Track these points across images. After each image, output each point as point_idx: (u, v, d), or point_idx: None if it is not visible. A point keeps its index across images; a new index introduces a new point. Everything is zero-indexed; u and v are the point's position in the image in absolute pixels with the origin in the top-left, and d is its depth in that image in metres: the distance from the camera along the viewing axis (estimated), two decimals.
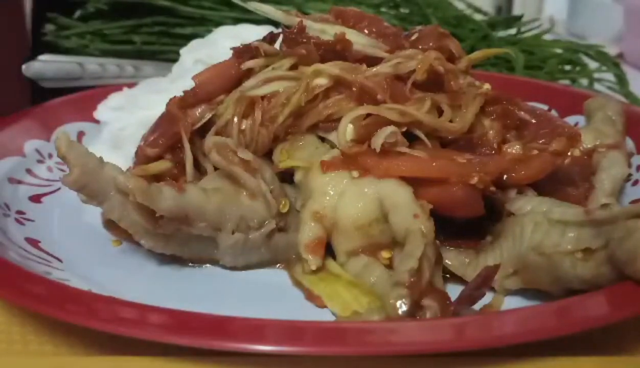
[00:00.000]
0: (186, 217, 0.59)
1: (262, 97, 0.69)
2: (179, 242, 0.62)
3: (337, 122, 0.65)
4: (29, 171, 0.79)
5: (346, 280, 0.60)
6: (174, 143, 0.71)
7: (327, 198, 0.62)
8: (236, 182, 0.63)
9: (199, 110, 0.72)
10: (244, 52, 0.74)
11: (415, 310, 0.52)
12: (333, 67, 0.68)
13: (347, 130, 0.64)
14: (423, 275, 0.54)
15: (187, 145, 0.70)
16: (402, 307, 0.51)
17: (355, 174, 0.62)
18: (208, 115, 0.72)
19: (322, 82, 0.68)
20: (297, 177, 0.66)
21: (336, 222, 0.61)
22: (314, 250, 0.61)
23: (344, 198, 0.62)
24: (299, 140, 0.68)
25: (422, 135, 0.65)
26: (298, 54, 0.70)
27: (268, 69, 0.72)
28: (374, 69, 0.68)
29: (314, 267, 0.61)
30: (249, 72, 0.73)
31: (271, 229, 0.63)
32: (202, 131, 0.72)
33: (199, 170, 0.71)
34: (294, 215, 0.65)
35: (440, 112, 0.68)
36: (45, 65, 0.97)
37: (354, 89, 0.66)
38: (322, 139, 0.68)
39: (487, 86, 0.71)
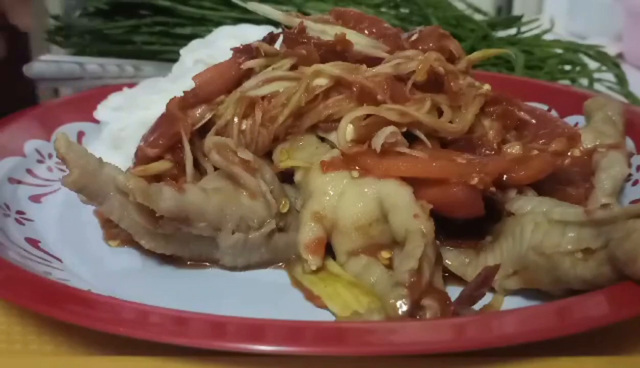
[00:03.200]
0: (186, 217, 0.59)
1: (262, 98, 0.69)
2: (179, 242, 0.62)
3: (337, 122, 0.65)
4: (29, 171, 0.79)
5: (346, 280, 0.60)
6: (174, 143, 0.71)
7: (327, 198, 0.62)
8: (236, 182, 0.63)
9: (199, 111, 0.72)
10: (244, 52, 0.74)
11: (415, 310, 0.52)
12: (333, 68, 0.68)
13: (347, 131, 0.64)
14: (423, 276, 0.54)
15: (187, 146, 0.70)
16: (402, 307, 0.51)
17: (355, 174, 0.62)
18: (208, 116, 0.72)
19: (322, 82, 0.68)
20: (297, 177, 0.66)
21: (336, 222, 0.61)
22: (314, 250, 0.61)
23: (344, 198, 0.62)
24: (299, 140, 0.68)
25: (422, 136, 0.65)
26: (298, 54, 0.70)
27: (268, 69, 0.71)
28: (375, 70, 0.68)
29: (314, 267, 0.61)
30: (249, 72, 0.73)
31: (271, 229, 0.63)
32: (202, 131, 0.72)
33: (199, 170, 0.71)
34: (294, 215, 0.65)
35: (440, 113, 0.68)
36: (45, 65, 0.97)
37: (354, 89, 0.66)
38: (322, 139, 0.68)
39: (487, 87, 0.71)
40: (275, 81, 0.69)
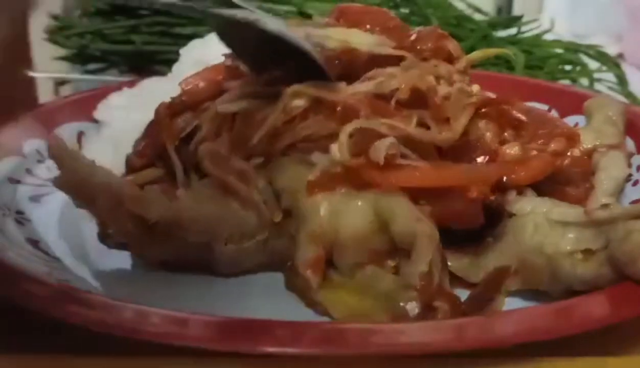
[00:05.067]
0: (179, 225, 0.58)
1: (236, 114, 0.66)
2: (174, 249, 0.61)
3: (315, 143, 0.63)
4: (28, 171, 0.79)
5: (349, 287, 0.58)
6: (161, 151, 0.70)
7: (322, 217, 0.60)
8: (228, 191, 0.62)
9: (185, 118, 0.70)
10: (230, 68, 0.71)
11: (426, 312, 0.52)
12: (311, 88, 0.65)
13: (343, 144, 0.61)
14: (433, 278, 0.54)
15: (173, 154, 0.69)
16: (413, 310, 0.51)
17: (343, 189, 0.60)
18: (193, 123, 0.70)
19: (300, 103, 0.65)
20: (285, 202, 0.63)
21: (336, 238, 0.59)
22: (313, 267, 0.59)
23: (340, 214, 0.60)
24: (277, 163, 0.65)
25: (407, 151, 0.62)
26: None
27: (245, 83, 0.69)
28: (354, 87, 0.65)
29: (314, 285, 0.58)
30: (238, 76, 0.71)
31: (265, 238, 0.62)
32: (189, 138, 0.70)
33: (189, 178, 0.69)
34: (288, 221, 0.63)
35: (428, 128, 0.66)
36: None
37: (337, 108, 0.64)
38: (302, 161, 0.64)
39: (476, 88, 0.69)
40: (251, 98, 0.67)
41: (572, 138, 0.74)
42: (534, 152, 0.68)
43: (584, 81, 1.15)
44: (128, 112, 0.84)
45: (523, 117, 0.74)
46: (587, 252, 0.53)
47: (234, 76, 0.72)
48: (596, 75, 1.16)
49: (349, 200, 0.60)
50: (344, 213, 0.60)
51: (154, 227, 0.57)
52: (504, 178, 0.62)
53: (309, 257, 0.59)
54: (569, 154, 0.73)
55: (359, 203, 0.60)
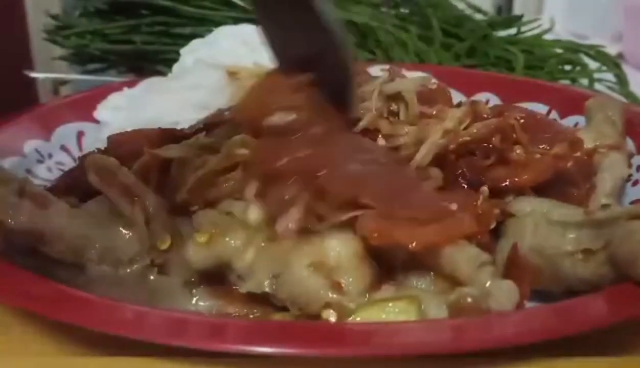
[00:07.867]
0: (41, 236, 0.53)
1: (170, 160, 0.62)
2: (47, 260, 0.56)
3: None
4: (28, 171, 0.79)
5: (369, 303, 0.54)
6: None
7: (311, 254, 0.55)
8: (115, 208, 0.56)
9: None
10: (168, 137, 0.67)
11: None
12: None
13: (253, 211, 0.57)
14: None
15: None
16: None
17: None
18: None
19: (246, 152, 0.61)
20: (242, 263, 0.56)
21: (337, 266, 0.55)
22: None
23: (327, 243, 0.55)
24: (210, 224, 0.58)
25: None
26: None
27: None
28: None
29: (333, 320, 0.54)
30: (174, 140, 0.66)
31: (144, 266, 0.56)
32: None
33: None
34: (177, 254, 0.57)
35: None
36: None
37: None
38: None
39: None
40: (193, 148, 0.63)
41: (575, 143, 0.73)
42: (537, 156, 0.68)
43: (584, 81, 1.15)
44: (128, 112, 0.84)
45: (527, 118, 0.73)
46: (587, 252, 0.53)
47: (170, 140, 0.66)
48: (596, 75, 1.16)
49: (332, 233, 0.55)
50: (331, 240, 0.55)
51: (11, 234, 0.53)
52: (507, 181, 0.62)
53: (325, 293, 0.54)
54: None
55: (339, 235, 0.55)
